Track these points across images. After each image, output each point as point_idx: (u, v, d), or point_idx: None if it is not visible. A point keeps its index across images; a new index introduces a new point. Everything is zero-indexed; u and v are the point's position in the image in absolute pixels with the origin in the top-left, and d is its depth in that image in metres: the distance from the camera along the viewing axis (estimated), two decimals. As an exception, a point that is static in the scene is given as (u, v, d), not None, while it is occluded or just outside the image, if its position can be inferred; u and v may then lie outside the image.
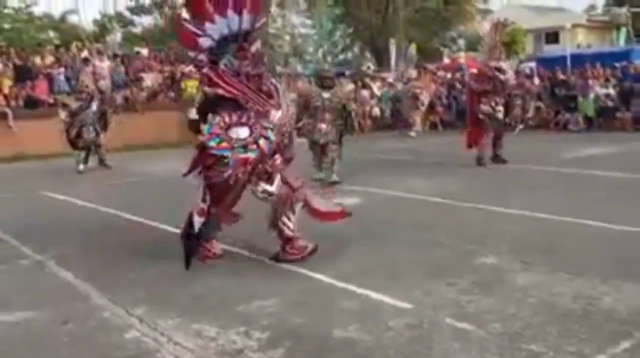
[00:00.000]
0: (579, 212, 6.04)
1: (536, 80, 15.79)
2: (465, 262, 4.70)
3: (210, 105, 4.67)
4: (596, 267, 4.39)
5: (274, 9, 33.88)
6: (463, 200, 6.98)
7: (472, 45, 22.16)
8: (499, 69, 9.27)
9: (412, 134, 14.87)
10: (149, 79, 16.13)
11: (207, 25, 4.53)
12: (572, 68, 16.30)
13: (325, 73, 8.91)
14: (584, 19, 41.75)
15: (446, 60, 23.00)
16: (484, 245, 5.09)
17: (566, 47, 24.53)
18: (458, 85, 15.82)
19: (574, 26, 35.80)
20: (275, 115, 4.63)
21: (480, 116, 9.38)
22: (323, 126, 8.33)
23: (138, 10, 33.13)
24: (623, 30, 35.85)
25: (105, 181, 10.00)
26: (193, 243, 4.70)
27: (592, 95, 14.18)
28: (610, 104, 14.12)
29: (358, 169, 9.37)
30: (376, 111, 16.75)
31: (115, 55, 17.26)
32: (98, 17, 31.74)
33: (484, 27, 10.09)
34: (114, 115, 12.06)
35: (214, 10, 4.49)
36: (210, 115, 4.57)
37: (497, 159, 9.65)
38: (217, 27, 4.52)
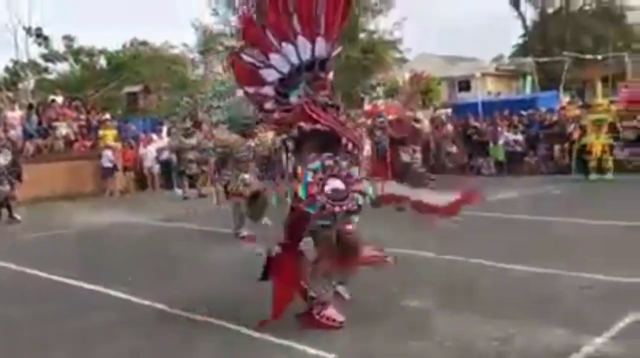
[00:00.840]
0: (496, 254, 6.28)
1: (449, 127, 16.54)
2: (390, 305, 4.80)
3: (296, 145, 4.22)
4: (512, 308, 4.59)
5: (195, 56, 34.05)
6: (387, 245, 7.09)
7: (390, 92, 23.01)
8: (415, 119, 9.71)
9: None
10: (63, 128, 15.63)
11: (272, 55, 4.10)
12: (483, 115, 17.24)
13: (248, 120, 8.55)
14: (492, 68, 44.43)
15: (367, 107, 23.71)
16: (408, 288, 5.21)
17: (477, 94, 26.00)
18: (377, 133, 16.25)
19: (484, 75, 38.00)
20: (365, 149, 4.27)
21: (402, 161, 9.75)
22: (246, 176, 8.13)
23: (52, 57, 32.28)
24: (529, 78, 38.39)
25: (19, 236, 9.52)
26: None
27: (501, 141, 15.00)
28: (518, 149, 14.95)
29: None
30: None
31: (30, 106, 16.68)
32: (10, 64, 30.61)
33: (404, 76, 10.53)
34: (26, 166, 11.58)
35: (278, 38, 4.06)
36: (302, 169, 4.07)
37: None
38: (285, 57, 4.09)
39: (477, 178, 14.27)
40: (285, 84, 4.15)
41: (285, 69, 4.11)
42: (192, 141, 13.52)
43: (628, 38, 37.58)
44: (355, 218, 4.21)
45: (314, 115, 4.04)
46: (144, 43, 35.16)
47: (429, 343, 3.97)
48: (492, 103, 21.23)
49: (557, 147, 14.05)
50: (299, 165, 4.13)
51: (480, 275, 5.68)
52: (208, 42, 32.38)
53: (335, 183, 3.97)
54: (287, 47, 4.05)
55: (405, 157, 9.74)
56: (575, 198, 10.69)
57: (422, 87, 15.33)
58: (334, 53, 4.17)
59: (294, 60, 4.08)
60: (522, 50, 43.16)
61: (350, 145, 4.09)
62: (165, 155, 15.09)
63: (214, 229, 8.90)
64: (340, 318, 4.28)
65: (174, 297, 5.23)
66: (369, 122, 17.80)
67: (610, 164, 12.48)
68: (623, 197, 10.34)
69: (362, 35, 34.01)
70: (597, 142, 12.42)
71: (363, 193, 4.10)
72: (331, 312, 4.29)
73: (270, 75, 4.15)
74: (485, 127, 15.84)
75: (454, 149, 15.63)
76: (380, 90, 18.43)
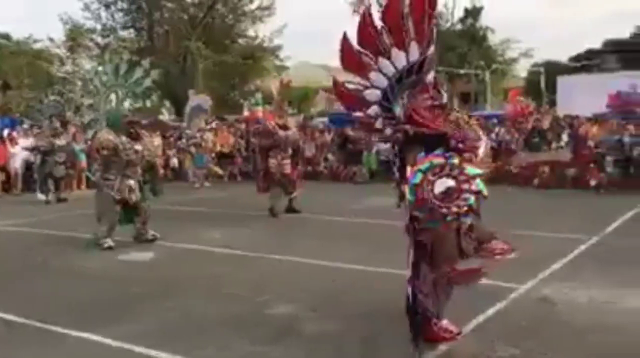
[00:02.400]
0: (366, 259, 6.51)
1: (326, 135, 16.96)
2: (260, 313, 4.82)
3: (400, 151, 4.10)
4: (382, 311, 4.77)
5: (62, 52, 32.09)
6: (259, 251, 7.15)
7: (269, 99, 23.10)
8: (282, 126, 9.88)
9: (197, 184, 14.87)
10: None
11: (371, 75, 4.01)
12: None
13: (133, 119, 8.07)
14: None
15: (246, 113, 23.66)
16: (278, 294, 5.27)
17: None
18: (254, 140, 16.30)
19: (360, 86, 39.37)
20: (481, 149, 4.04)
21: (270, 168, 9.84)
22: (132, 182, 7.72)
23: None
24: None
25: None
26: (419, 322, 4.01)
27: (375, 150, 15.62)
28: (392, 157, 15.64)
29: (154, 222, 9.10)
30: (174, 162, 16.54)
31: None
32: None
33: (274, 84, 10.62)
34: None
35: (373, 55, 3.97)
36: (410, 170, 3.86)
37: (291, 209, 10.09)
38: (381, 71, 3.98)
39: (350, 185, 14.73)
40: (388, 98, 4.05)
41: (385, 84, 4.02)
42: (61, 142, 12.74)
43: (489, 58, 40.71)
44: (468, 221, 3.99)
45: (421, 120, 3.95)
46: (6, 36, 32.61)
47: (298, 349, 4.04)
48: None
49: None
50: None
51: (350, 279, 5.86)
52: (77, 38, 30.71)
53: (448, 183, 3.74)
54: (383, 62, 3.98)
55: (271, 163, 9.85)
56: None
57: (291, 94, 15.54)
58: (429, 53, 3.98)
59: (391, 72, 3.99)
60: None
61: (460, 145, 3.92)
62: (26, 155, 14.04)
63: (71, 235, 8.43)
64: (456, 328, 4.22)
65: (24, 305, 4.94)
66: (243, 126, 17.88)
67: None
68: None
69: (241, 41, 33.95)
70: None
71: (476, 192, 3.77)
72: (446, 323, 4.21)
73: (372, 94, 4.07)
74: (360, 136, 16.41)
75: (329, 156, 16.04)
76: (259, 96, 18.38)
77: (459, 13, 40.51)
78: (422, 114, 3.97)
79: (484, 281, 5.28)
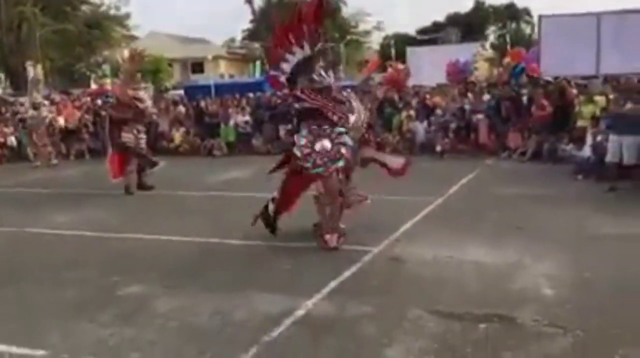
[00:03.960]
0: (224, 231, 6.45)
1: (182, 108, 16.42)
2: (109, 295, 4.58)
3: (297, 119, 5.92)
4: (235, 282, 4.76)
5: None
6: (110, 231, 6.79)
7: (118, 71, 21.89)
8: (137, 98, 9.33)
9: (38, 163, 13.65)
10: None
11: (287, 56, 5.79)
12: (216, 97, 17.46)
13: None
14: (224, 51, 45.36)
15: (93, 86, 22.23)
16: (129, 275, 5.04)
17: (210, 77, 26.29)
18: (104, 113, 15.35)
19: (215, 57, 38.63)
20: (351, 118, 5.92)
21: (125, 144, 9.29)
22: None
23: None
24: (258, 63, 40.16)
25: None
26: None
27: (232, 123, 15.41)
28: (249, 130, 15.53)
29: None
30: (12, 140, 15.11)
31: None
32: None
33: (123, 54, 9.93)
34: None
35: (287, 47, 5.77)
36: (296, 136, 5.79)
37: (143, 186, 9.66)
38: (290, 59, 5.76)
39: (208, 158, 14.44)
40: (293, 73, 5.79)
41: (294, 63, 5.78)
42: None
43: (343, 30, 41.76)
44: (340, 163, 5.73)
45: (304, 97, 5.66)
46: None
47: (149, 326, 3.89)
48: (224, 85, 21.75)
49: (282, 128, 14.88)
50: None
51: (208, 253, 5.77)
52: None
53: (324, 142, 5.64)
54: (288, 58, 5.78)
55: (127, 138, 9.32)
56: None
57: (149, 66, 14.80)
58: (317, 49, 5.73)
59: (294, 59, 5.76)
60: (253, 35, 44.89)
61: (335, 117, 5.70)
62: None
63: None
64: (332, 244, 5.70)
65: None
66: (98, 102, 16.79)
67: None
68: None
69: (84, 9, 31.66)
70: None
71: (345, 144, 5.76)
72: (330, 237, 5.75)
73: (285, 68, 5.84)
74: (217, 108, 16.08)
75: (184, 130, 15.58)
76: (106, 68, 17.33)
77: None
78: (306, 93, 5.68)
79: (343, 247, 5.55)
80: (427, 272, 4.96)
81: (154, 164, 9.77)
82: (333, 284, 4.67)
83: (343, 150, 5.73)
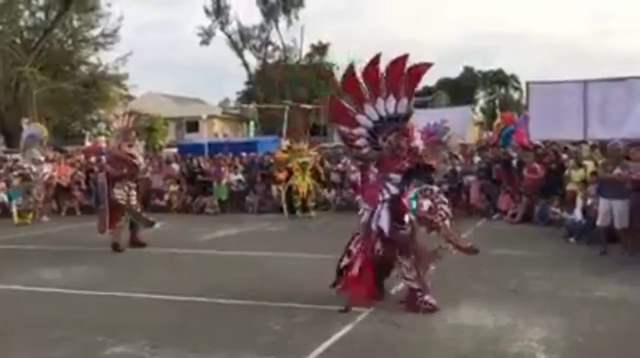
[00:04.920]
0: (213, 290, 6.34)
1: (175, 166, 16.48)
2: (94, 355, 4.46)
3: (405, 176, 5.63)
4: (223, 343, 4.65)
5: None
6: (97, 289, 6.68)
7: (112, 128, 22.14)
8: (131, 154, 9.39)
9: (27, 221, 13.51)
10: None
11: (366, 106, 5.50)
12: (209, 155, 17.60)
13: None
14: (219, 111, 46.00)
15: (88, 143, 22.40)
16: (115, 334, 4.92)
17: (204, 135, 26.55)
18: (97, 169, 15.36)
19: (210, 117, 39.12)
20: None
21: (117, 201, 9.27)
22: None
23: None
24: (252, 123, 40.68)
25: None
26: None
27: (224, 181, 15.45)
28: (241, 188, 15.57)
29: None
30: (2, 196, 15.01)
31: None
32: None
33: (117, 113, 10.07)
34: None
35: (373, 93, 5.47)
36: (405, 200, 5.45)
37: (135, 242, 9.57)
38: (376, 109, 5.49)
39: (201, 216, 14.39)
40: (376, 128, 5.55)
41: (375, 118, 5.53)
42: None
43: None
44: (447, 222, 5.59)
45: (422, 157, 5.65)
46: None
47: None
48: (218, 144, 21.97)
49: (274, 187, 14.95)
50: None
51: (193, 312, 5.66)
52: None
53: (427, 202, 5.42)
54: (379, 101, 5.48)
55: (119, 194, 9.32)
56: (287, 235, 11.35)
57: (141, 124, 14.96)
58: (411, 109, 5.57)
59: (382, 112, 5.51)
60: (247, 96, 45.66)
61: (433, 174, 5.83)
62: None
63: None
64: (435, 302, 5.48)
65: None
66: (92, 159, 16.84)
67: (312, 203, 13.55)
68: (326, 234, 11.25)
69: (83, 69, 32.23)
70: (303, 183, 13.51)
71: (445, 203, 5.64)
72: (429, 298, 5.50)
73: (364, 120, 5.55)
74: (210, 167, 16.15)
75: (178, 188, 15.59)
76: (102, 126, 17.52)
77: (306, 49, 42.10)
78: (403, 154, 5.56)
79: (336, 307, 5.48)
80: (420, 335, 4.88)
81: (151, 224, 9.76)
82: (324, 346, 4.57)
83: (446, 210, 5.54)
